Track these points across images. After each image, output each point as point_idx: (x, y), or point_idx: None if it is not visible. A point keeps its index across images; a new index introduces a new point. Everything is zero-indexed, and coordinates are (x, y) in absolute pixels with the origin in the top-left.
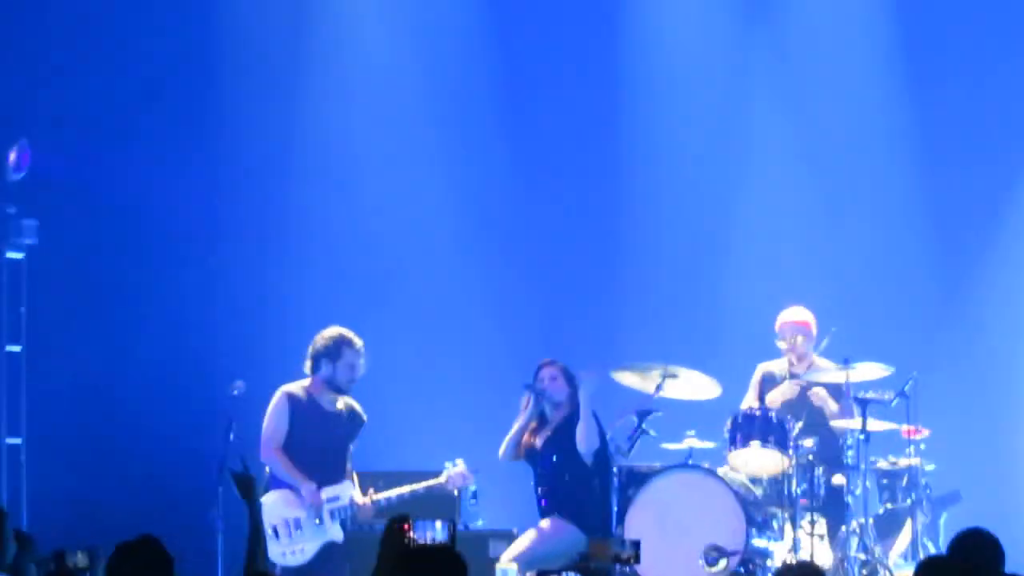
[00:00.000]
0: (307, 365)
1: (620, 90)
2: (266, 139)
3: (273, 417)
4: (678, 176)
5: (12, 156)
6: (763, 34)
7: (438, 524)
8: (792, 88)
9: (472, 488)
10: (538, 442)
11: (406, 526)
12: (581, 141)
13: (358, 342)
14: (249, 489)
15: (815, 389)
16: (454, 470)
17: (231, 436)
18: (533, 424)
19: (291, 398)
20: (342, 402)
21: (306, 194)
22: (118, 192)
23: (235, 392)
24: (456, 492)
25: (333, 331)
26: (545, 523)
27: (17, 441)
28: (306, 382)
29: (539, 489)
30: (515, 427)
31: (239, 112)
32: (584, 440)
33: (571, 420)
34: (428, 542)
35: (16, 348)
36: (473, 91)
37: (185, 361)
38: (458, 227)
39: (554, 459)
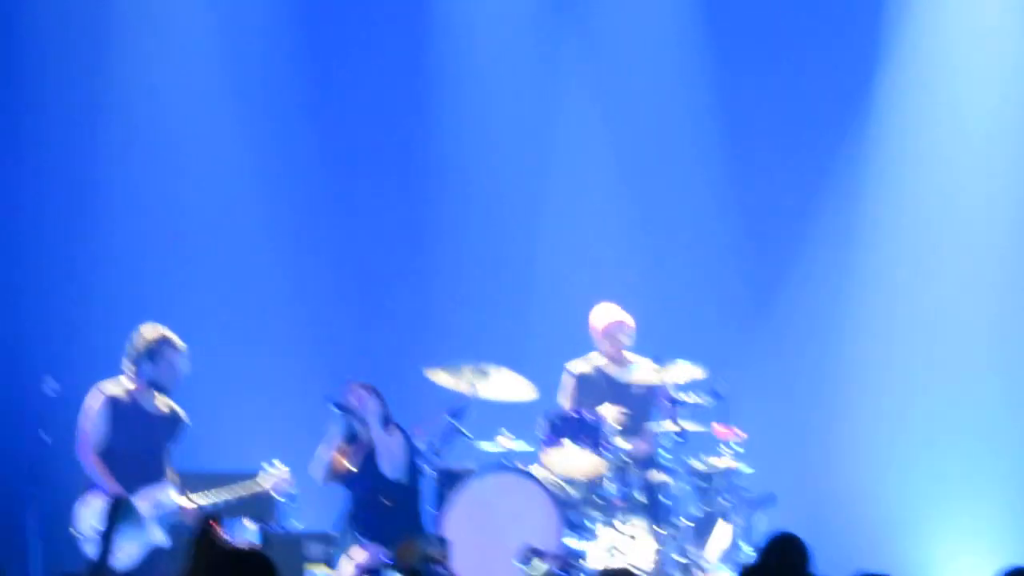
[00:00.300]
0: (126, 364)
1: (427, 81)
2: (72, 123)
3: (91, 419)
4: (488, 170)
5: None
6: (571, 24)
7: (249, 525)
8: (601, 80)
9: (292, 492)
10: (351, 465)
11: (215, 526)
12: (389, 134)
13: (180, 343)
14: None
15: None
16: (274, 472)
17: (42, 435)
18: (343, 445)
19: (111, 400)
20: (163, 403)
21: (114, 184)
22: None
23: (48, 392)
24: (273, 493)
25: (153, 331)
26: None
27: None
28: (127, 382)
29: (358, 515)
30: (323, 448)
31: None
32: (388, 463)
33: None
34: (239, 543)
35: None
36: (279, 83)
37: None
38: (269, 223)
39: (369, 484)
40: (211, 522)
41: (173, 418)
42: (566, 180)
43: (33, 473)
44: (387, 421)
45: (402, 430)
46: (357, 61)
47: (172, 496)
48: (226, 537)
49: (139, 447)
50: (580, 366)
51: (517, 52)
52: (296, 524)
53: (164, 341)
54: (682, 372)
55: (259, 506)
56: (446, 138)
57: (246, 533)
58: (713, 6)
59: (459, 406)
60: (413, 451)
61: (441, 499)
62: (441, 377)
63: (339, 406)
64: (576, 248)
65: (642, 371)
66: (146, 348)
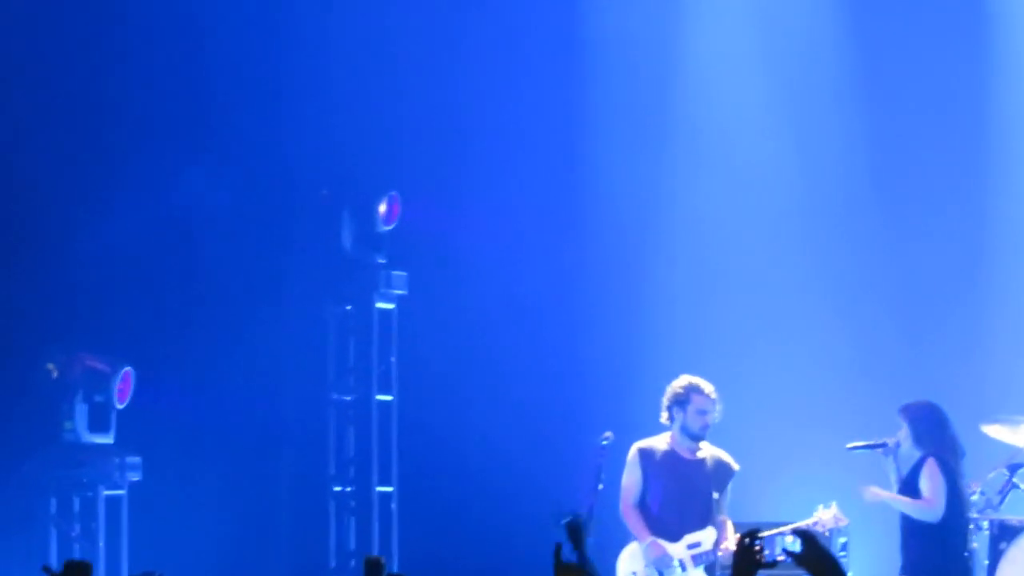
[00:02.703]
0: (663, 416)
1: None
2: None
3: (626, 473)
4: None
5: (382, 208)
6: None
7: (789, 538)
8: None
9: (841, 540)
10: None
11: (757, 542)
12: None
13: (707, 387)
14: (578, 537)
15: None
16: (826, 512)
17: (599, 485)
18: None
19: (642, 452)
20: (706, 451)
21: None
22: (481, 244)
23: (604, 443)
24: (827, 532)
25: (683, 379)
26: None
27: (389, 489)
28: (665, 434)
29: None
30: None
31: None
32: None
33: (915, 469)
34: (779, 556)
35: (387, 398)
36: (827, 97)
37: (554, 409)
38: (818, 255)
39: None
40: (752, 535)
41: (716, 465)
42: None
43: (589, 517)
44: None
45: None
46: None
47: (714, 538)
48: (766, 550)
49: (675, 494)
50: None
51: None
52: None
53: (691, 387)
54: None
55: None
56: None
57: (787, 544)
58: None
59: (1018, 460)
60: (955, 487)
61: (997, 551)
62: (999, 431)
63: (866, 447)
64: None
65: None
66: (675, 396)
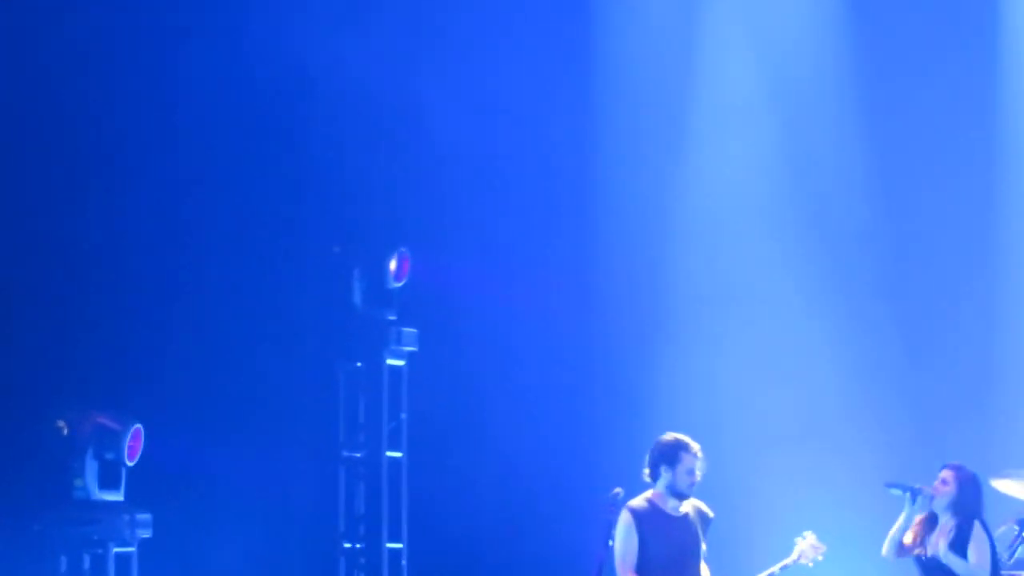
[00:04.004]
0: (645, 473)
1: None
2: None
3: (620, 537)
4: None
5: (393, 264)
6: None
7: None
8: None
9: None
10: (928, 550)
11: None
12: None
13: (695, 446)
14: None
15: None
16: (804, 543)
17: (610, 542)
18: (918, 522)
19: (636, 515)
20: (688, 505)
21: None
22: (490, 301)
23: (614, 498)
24: (811, 564)
25: (670, 436)
26: None
27: (398, 546)
28: (648, 493)
29: None
30: (897, 525)
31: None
32: (975, 552)
33: (963, 531)
34: None
35: (397, 454)
36: None
37: (564, 465)
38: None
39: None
40: None
41: (698, 515)
42: None
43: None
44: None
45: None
46: None
47: None
48: None
49: (665, 552)
50: None
51: None
52: None
53: (679, 445)
54: None
55: None
56: None
57: None
58: None
59: None
60: (994, 548)
61: None
62: (1009, 486)
63: (899, 486)
64: None
65: None
66: (661, 454)
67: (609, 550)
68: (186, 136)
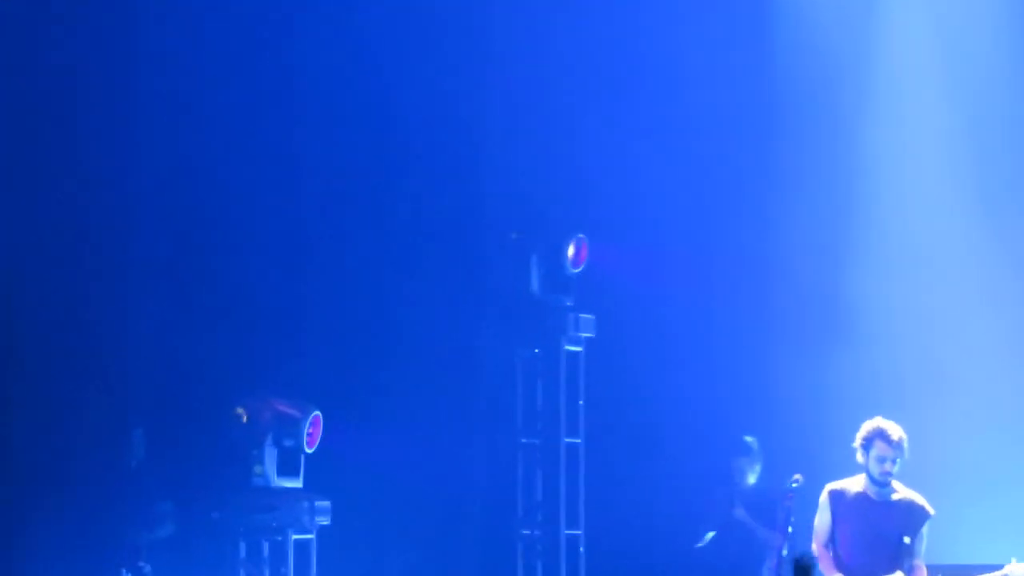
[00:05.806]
0: (858, 455)
1: None
2: None
3: (817, 514)
4: None
5: (571, 250)
6: None
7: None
8: None
9: None
10: None
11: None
12: None
13: (895, 434)
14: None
15: None
16: (1018, 567)
17: (790, 528)
18: None
19: (833, 494)
20: (901, 493)
21: None
22: (666, 288)
23: (794, 485)
24: None
25: (873, 422)
26: None
27: (577, 532)
28: (860, 475)
29: None
30: None
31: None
32: None
33: None
34: None
35: (576, 440)
36: None
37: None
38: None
39: None
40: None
41: (908, 508)
42: None
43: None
44: None
45: None
46: None
47: None
48: None
49: (863, 539)
50: None
51: None
52: None
53: (875, 432)
54: None
55: None
56: None
57: None
58: None
59: None
60: None
61: None
62: None
63: None
64: None
65: None
66: (862, 439)
67: (789, 536)
68: (367, 126)
